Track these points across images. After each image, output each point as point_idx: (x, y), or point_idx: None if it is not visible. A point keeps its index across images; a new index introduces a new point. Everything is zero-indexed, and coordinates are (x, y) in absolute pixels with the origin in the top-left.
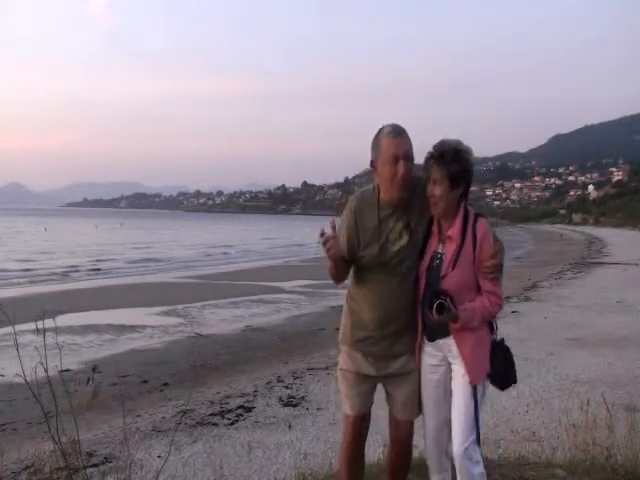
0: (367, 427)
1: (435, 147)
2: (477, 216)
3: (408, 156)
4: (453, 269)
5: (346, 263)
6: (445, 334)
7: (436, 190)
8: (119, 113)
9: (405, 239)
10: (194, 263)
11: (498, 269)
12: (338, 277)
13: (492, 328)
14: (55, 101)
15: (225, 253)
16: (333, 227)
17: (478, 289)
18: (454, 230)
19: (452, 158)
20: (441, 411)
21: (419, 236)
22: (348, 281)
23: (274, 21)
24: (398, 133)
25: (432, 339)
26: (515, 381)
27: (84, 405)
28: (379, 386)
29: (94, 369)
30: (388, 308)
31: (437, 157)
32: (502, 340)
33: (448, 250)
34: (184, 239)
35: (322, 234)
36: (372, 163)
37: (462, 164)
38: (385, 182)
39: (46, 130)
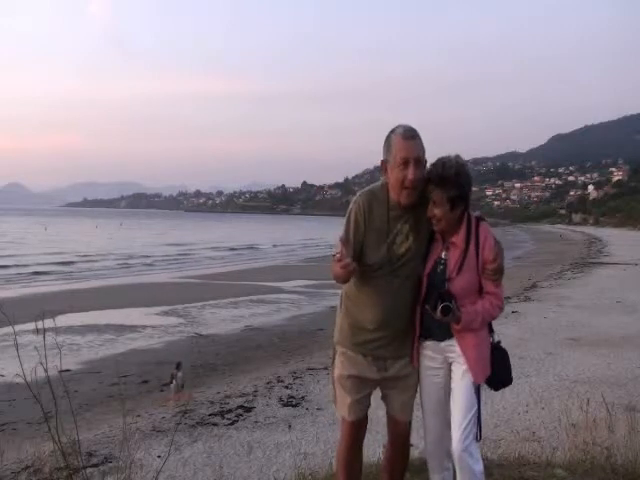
0: (365, 429)
1: (435, 170)
2: (478, 220)
3: (419, 160)
4: (458, 274)
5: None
6: (447, 336)
7: (436, 211)
8: (119, 113)
9: (411, 240)
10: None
11: (500, 272)
12: (345, 281)
13: (491, 329)
14: (55, 101)
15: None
16: (344, 243)
17: (480, 291)
18: (458, 237)
19: (453, 183)
20: (443, 412)
21: (424, 238)
22: None
23: (274, 21)
24: (411, 136)
25: (433, 340)
26: (510, 382)
27: (165, 404)
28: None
29: (177, 367)
30: (389, 308)
31: (437, 182)
32: (499, 342)
33: (452, 256)
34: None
35: (336, 253)
36: (383, 163)
37: (462, 187)
38: (394, 185)
39: (46, 130)
